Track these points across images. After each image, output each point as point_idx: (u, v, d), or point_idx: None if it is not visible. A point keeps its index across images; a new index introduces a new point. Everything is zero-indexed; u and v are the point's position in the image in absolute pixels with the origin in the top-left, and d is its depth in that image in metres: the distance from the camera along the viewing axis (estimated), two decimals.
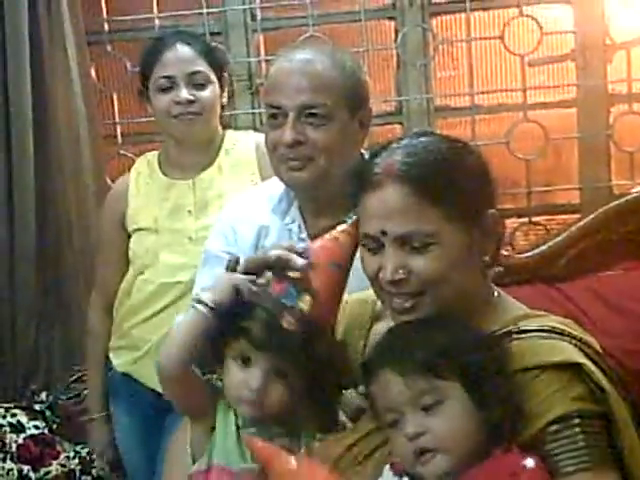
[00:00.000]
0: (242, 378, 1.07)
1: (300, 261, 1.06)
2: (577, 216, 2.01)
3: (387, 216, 1.03)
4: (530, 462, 0.91)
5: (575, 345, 1.01)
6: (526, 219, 2.22)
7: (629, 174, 2.16)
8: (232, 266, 1.12)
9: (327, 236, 1.10)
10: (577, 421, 0.95)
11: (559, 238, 1.80)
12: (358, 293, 1.18)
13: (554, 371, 0.97)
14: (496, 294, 1.11)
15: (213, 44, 1.92)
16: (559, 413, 0.95)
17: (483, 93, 2.23)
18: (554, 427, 0.94)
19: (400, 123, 2.22)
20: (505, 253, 1.67)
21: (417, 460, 0.93)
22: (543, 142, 2.16)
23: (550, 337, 1.02)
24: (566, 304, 1.72)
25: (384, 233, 1.03)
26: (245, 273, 1.09)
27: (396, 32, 2.24)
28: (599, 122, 2.14)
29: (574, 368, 0.97)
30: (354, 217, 1.08)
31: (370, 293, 1.10)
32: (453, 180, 1.03)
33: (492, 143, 2.15)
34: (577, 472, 0.93)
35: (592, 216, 1.79)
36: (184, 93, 1.75)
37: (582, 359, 0.99)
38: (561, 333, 1.02)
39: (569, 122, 2.21)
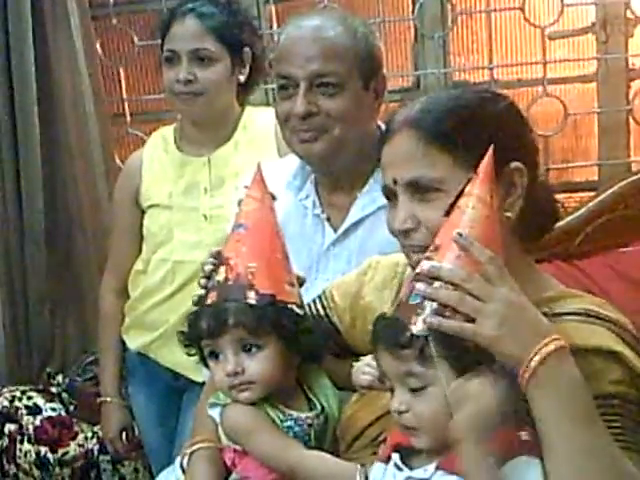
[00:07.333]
0: (220, 370, 1.14)
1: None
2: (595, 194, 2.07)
3: (397, 164, 1.08)
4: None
5: (609, 329, 1.02)
6: None
7: None
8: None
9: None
10: (616, 402, 0.96)
11: (576, 215, 1.91)
12: (391, 255, 1.24)
13: (589, 354, 0.97)
14: (532, 270, 1.13)
15: (238, 17, 1.88)
16: (597, 393, 0.94)
17: (502, 67, 2.30)
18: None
19: None
20: None
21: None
22: (562, 118, 2.23)
23: (585, 321, 1.03)
24: (584, 281, 1.86)
25: (395, 182, 1.08)
26: None
27: (413, 3, 2.31)
28: (619, 97, 2.23)
29: (610, 353, 0.98)
30: None
31: (402, 256, 1.15)
32: (465, 127, 1.04)
33: None
34: None
35: (608, 192, 1.90)
36: (183, 71, 1.80)
37: (618, 345, 1.00)
38: (596, 316, 1.03)
39: (588, 97, 2.29)
